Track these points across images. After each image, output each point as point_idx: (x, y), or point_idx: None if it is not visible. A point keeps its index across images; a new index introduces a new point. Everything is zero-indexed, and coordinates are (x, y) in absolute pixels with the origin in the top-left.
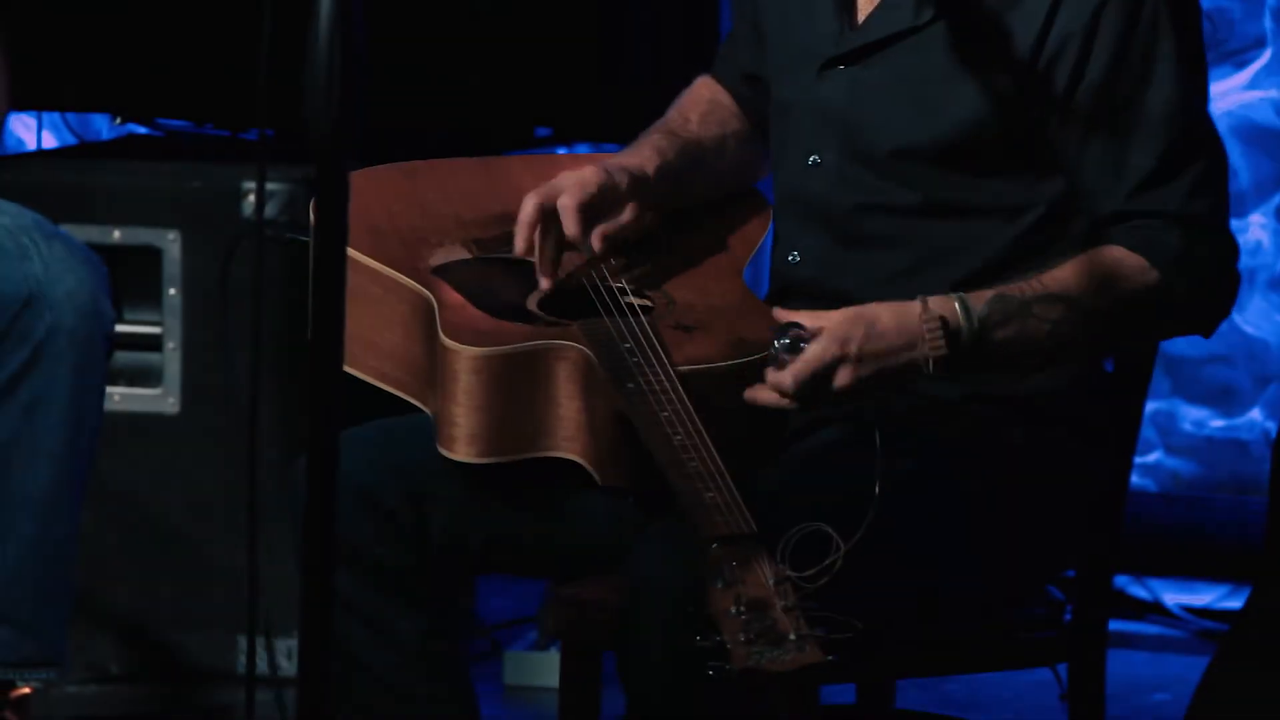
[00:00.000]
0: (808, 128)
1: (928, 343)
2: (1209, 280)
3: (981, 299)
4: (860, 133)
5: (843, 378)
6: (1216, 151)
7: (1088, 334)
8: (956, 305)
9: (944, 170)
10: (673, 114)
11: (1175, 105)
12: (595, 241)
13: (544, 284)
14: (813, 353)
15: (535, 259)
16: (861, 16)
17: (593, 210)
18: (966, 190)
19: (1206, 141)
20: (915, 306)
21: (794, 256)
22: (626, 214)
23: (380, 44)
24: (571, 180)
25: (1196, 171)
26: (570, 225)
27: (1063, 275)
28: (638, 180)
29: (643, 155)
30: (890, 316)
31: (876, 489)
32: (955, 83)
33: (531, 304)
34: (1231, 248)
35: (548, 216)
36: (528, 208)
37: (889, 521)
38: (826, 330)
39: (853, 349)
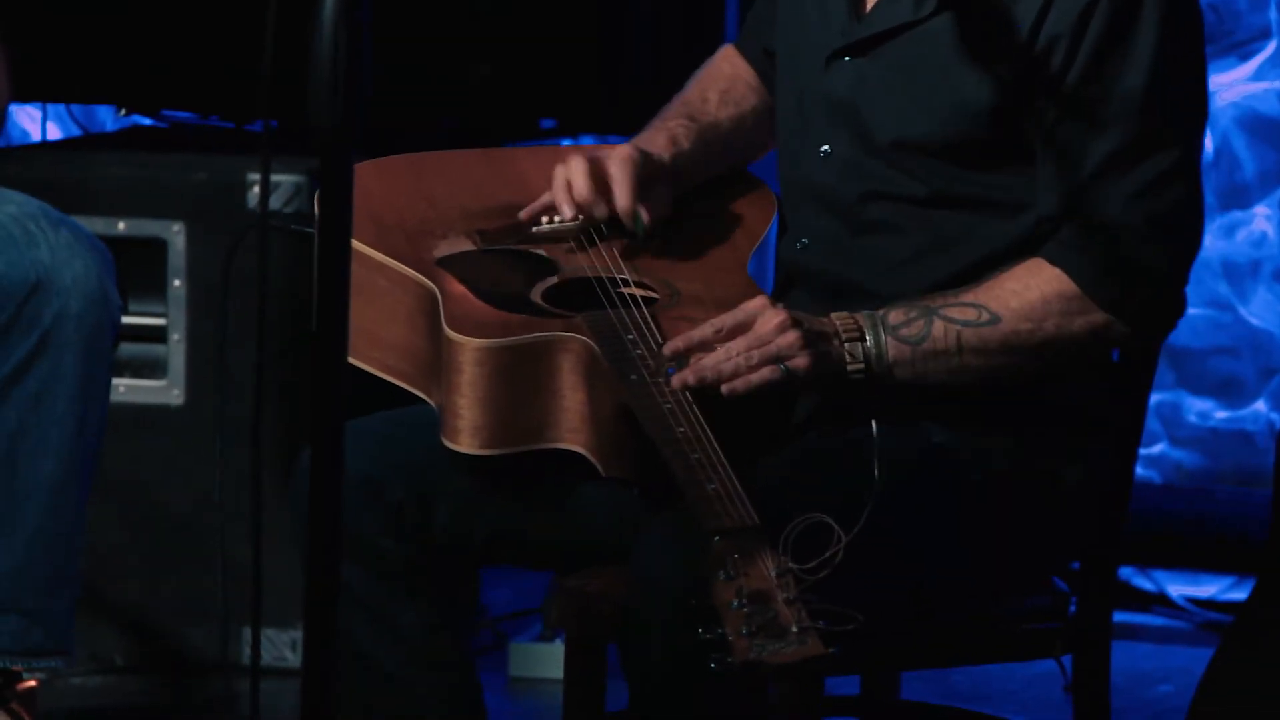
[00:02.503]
0: (818, 119)
1: (842, 334)
2: (1139, 291)
3: (883, 308)
4: (866, 124)
5: (793, 338)
6: (1185, 149)
7: (998, 339)
8: (863, 312)
9: (946, 162)
10: (693, 91)
11: (1138, 101)
12: (645, 214)
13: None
14: (741, 307)
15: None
16: (868, 8)
17: (639, 185)
18: (970, 183)
19: (1175, 139)
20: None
21: (802, 243)
22: (662, 193)
23: (384, 35)
24: (616, 159)
25: (1150, 169)
26: (623, 197)
27: (976, 286)
28: (661, 167)
29: (660, 144)
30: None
31: (875, 479)
32: (955, 75)
33: (536, 295)
34: (1182, 248)
35: (598, 183)
36: (579, 177)
37: (891, 514)
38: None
39: (788, 313)
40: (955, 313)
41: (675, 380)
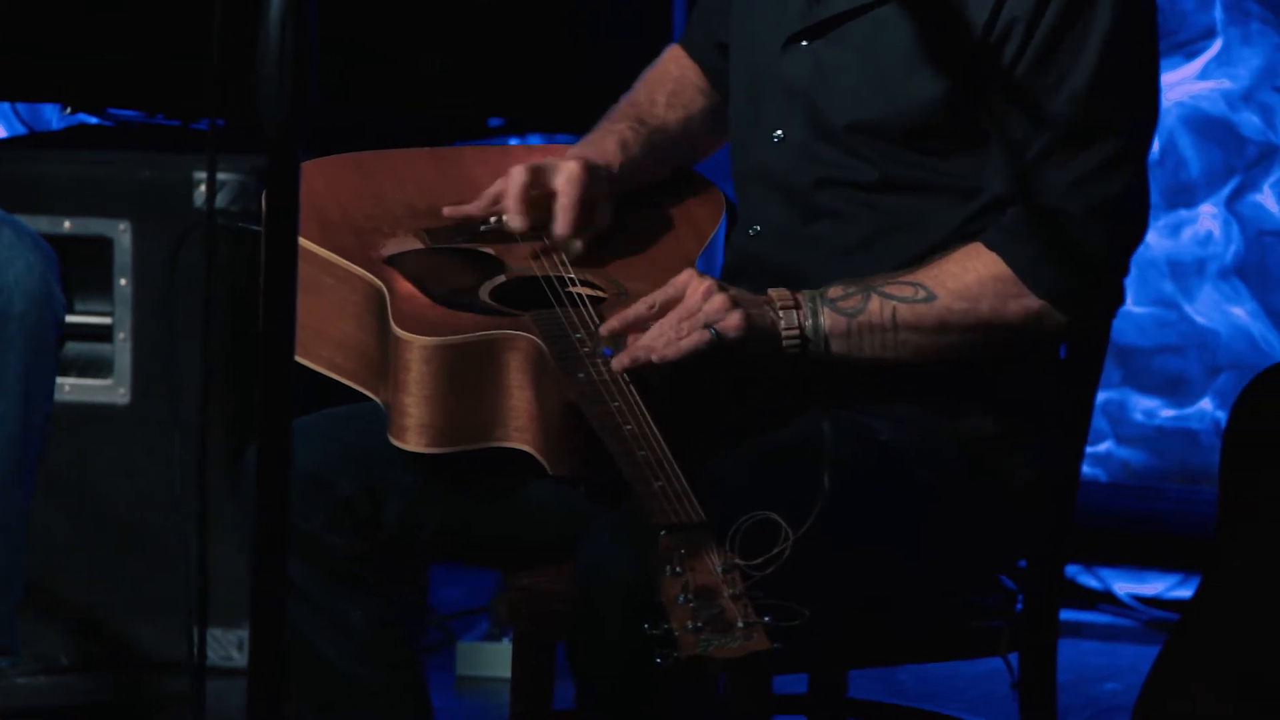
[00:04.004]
0: (772, 104)
1: (776, 302)
2: (1075, 279)
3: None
4: (820, 108)
5: (720, 302)
6: (1130, 139)
7: (933, 317)
8: (803, 290)
9: (900, 147)
10: (640, 93)
11: (1084, 89)
12: (578, 246)
13: (512, 221)
14: (671, 282)
15: (507, 222)
16: None
17: (582, 209)
18: (923, 169)
19: (1120, 128)
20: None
21: (754, 230)
22: (605, 218)
23: (331, 33)
24: (563, 175)
25: (1093, 158)
26: (564, 225)
27: (919, 268)
28: (608, 178)
29: (608, 150)
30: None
31: (825, 478)
32: (911, 59)
33: (483, 294)
34: (1121, 238)
35: (537, 195)
36: (519, 179)
37: (838, 511)
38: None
39: (715, 280)
40: (893, 289)
41: (614, 364)
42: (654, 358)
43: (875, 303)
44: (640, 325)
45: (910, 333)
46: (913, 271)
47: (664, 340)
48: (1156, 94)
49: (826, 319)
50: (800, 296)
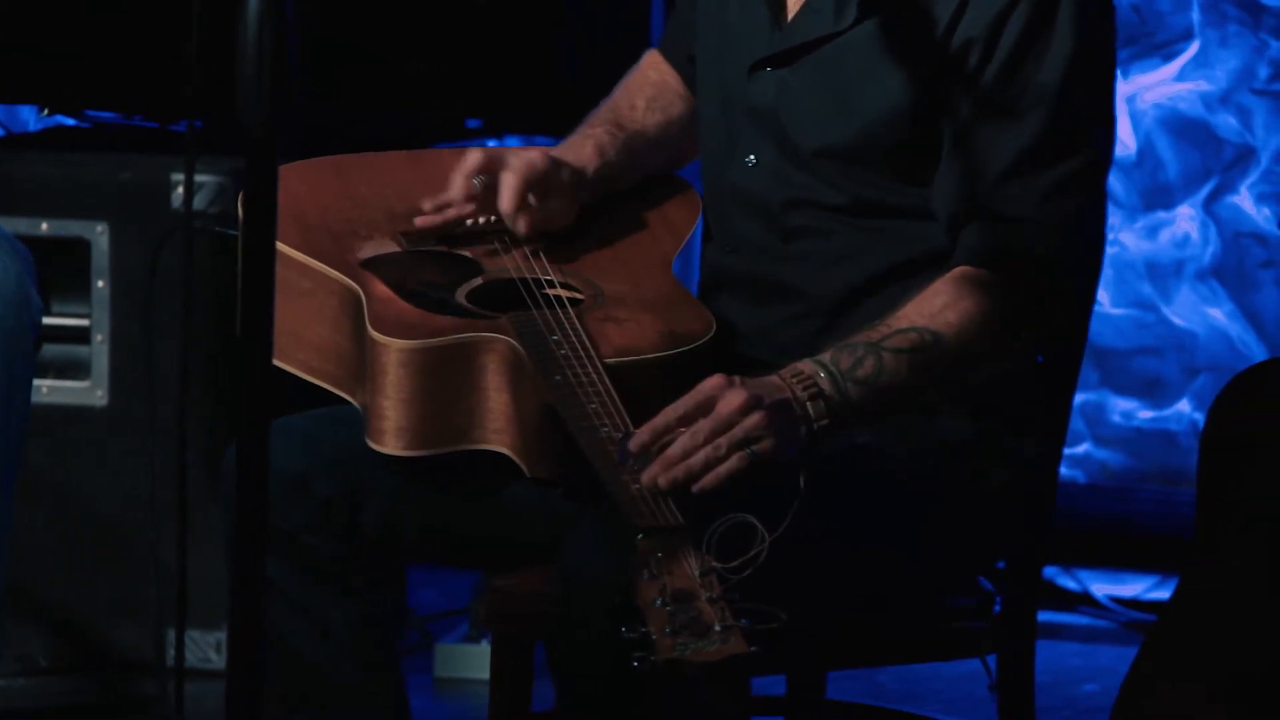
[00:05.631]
0: (743, 128)
1: (800, 394)
2: (1053, 286)
3: (826, 353)
4: (788, 133)
5: (757, 420)
6: (1091, 159)
7: (947, 356)
8: (808, 360)
9: (866, 171)
10: (620, 97)
11: (1051, 104)
12: (521, 224)
13: (419, 221)
14: (698, 388)
15: (440, 205)
16: (789, 17)
17: (532, 191)
18: (891, 191)
19: (1083, 145)
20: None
21: (730, 249)
22: (557, 206)
23: (311, 33)
24: (520, 160)
25: (1061, 172)
26: (507, 200)
27: (906, 310)
28: (577, 178)
29: (584, 154)
30: (755, 378)
31: (800, 480)
32: (876, 84)
33: (460, 296)
34: (1088, 252)
35: (487, 176)
36: (473, 158)
37: (816, 514)
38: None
39: (737, 380)
40: (898, 342)
41: (645, 477)
42: (694, 487)
43: (889, 360)
44: (670, 434)
45: (928, 377)
46: (904, 315)
47: (702, 461)
48: (1114, 111)
49: (854, 393)
50: (817, 376)
